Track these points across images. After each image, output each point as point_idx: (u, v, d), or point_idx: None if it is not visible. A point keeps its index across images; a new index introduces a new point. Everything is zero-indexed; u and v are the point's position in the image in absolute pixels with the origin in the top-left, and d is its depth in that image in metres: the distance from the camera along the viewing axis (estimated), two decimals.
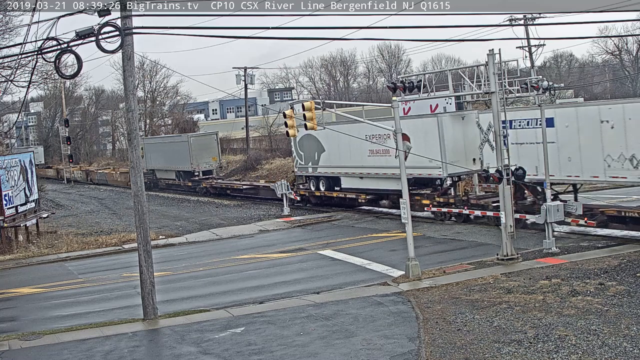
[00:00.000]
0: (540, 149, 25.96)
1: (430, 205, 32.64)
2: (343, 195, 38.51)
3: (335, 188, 38.81)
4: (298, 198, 41.10)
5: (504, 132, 25.82)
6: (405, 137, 30.77)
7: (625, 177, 24.49)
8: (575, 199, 27.92)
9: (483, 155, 28.78)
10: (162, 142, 62.05)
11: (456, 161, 29.89)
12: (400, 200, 22.76)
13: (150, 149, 60.85)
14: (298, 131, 24.68)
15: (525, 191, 28.82)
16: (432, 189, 33.91)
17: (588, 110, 25.64)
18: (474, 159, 29.77)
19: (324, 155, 39.01)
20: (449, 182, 32.75)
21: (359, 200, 37.93)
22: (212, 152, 56.52)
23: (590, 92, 79.44)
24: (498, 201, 26.05)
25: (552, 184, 26.78)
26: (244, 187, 50.91)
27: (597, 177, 25.32)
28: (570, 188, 28.62)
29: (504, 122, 25.82)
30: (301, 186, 42.50)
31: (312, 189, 40.69)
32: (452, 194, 32.82)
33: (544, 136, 25.28)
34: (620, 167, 24.36)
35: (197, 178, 55.38)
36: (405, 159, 30.78)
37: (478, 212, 30.08)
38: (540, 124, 26.03)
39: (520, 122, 28.08)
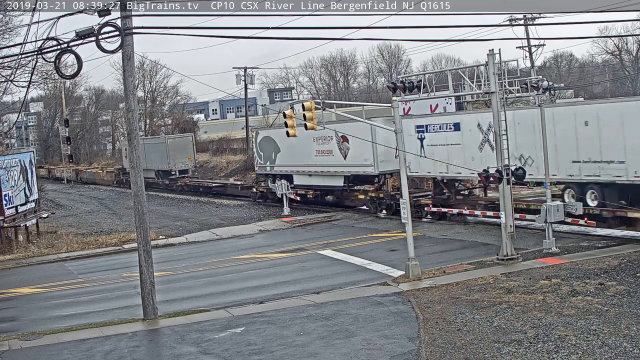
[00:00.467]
0: (455, 152, 30.14)
1: (367, 199, 36.59)
2: (295, 191, 41.47)
3: (292, 185, 41.38)
4: (298, 198, 41.24)
5: (419, 136, 32.07)
6: (345, 139, 36.40)
7: None
8: (278, 182, 36.64)
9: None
10: (142, 144, 62.62)
11: (386, 161, 33.72)
12: (400, 200, 22.78)
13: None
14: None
15: (444, 188, 32.54)
16: (369, 185, 37.54)
17: (484, 117, 28.36)
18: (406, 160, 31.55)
19: (279, 155, 42.76)
20: (382, 179, 36.42)
21: (308, 196, 41.12)
22: (188, 153, 60.13)
23: (590, 92, 79.44)
24: (422, 195, 33.93)
25: (460, 180, 32.12)
26: (213, 185, 55.30)
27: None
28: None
29: (420, 126, 31.83)
30: (262, 184, 45.92)
31: (269, 185, 43.78)
32: (384, 189, 36.36)
33: (544, 136, 25.28)
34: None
35: (174, 177, 58.82)
36: (345, 158, 37.02)
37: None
38: (449, 129, 30.31)
39: (434, 126, 31.53)
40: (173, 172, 59.08)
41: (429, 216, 33.15)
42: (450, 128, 30.39)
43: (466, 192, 33.23)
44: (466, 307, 17.78)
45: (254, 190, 46.85)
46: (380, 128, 29.47)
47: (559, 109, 26.76)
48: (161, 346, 17.11)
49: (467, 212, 31.16)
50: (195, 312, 19.80)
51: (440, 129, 31.33)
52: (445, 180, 32.13)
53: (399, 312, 18.02)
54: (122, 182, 65.77)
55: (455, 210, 31.66)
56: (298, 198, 41.24)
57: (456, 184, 32.38)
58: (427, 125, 32.02)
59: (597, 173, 25.00)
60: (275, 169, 43.40)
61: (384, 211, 35.62)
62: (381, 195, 35.90)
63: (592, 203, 25.73)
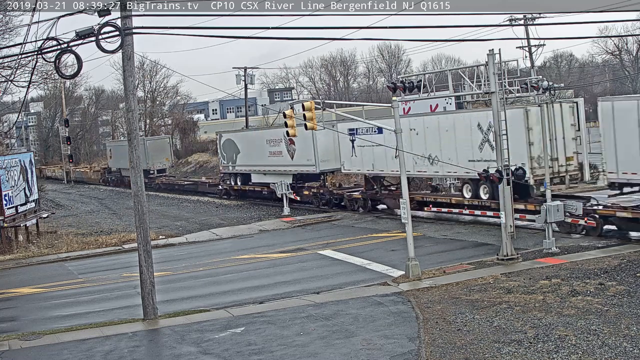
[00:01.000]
0: (379, 152, 33.87)
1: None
2: (253, 189, 47.37)
3: (249, 183, 47.52)
4: (298, 198, 41.35)
5: (351, 138, 36.29)
6: (292, 142, 40.71)
7: (425, 172, 32.86)
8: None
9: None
10: (125, 145, 66.09)
11: (327, 160, 39.15)
12: (400, 200, 22.78)
13: (116, 151, 67.99)
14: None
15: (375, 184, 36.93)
16: (315, 182, 42.45)
17: (402, 121, 30.31)
18: (341, 159, 38.23)
19: (239, 156, 47.68)
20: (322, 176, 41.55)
21: (262, 192, 46.03)
22: (165, 154, 64.37)
23: (590, 92, 79.43)
24: (355, 190, 38.93)
25: (384, 177, 36.23)
26: (185, 183, 60.56)
27: (409, 171, 30.47)
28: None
29: (352, 130, 36.03)
30: (226, 182, 50.72)
31: (232, 184, 49.53)
32: (326, 186, 41.67)
33: (544, 136, 25.30)
34: (422, 163, 32.13)
35: (152, 176, 62.13)
36: (292, 158, 41.78)
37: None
38: (374, 132, 33.68)
39: (361, 130, 35.44)
40: (152, 172, 62.10)
41: (360, 209, 37.61)
42: (375, 131, 33.57)
43: (393, 188, 36.80)
44: (466, 307, 17.78)
45: (220, 187, 51.76)
46: (321, 133, 36.72)
47: (458, 116, 31.19)
48: (161, 346, 17.11)
49: (466, 212, 31.21)
50: (195, 312, 19.80)
51: (366, 132, 35.05)
52: (373, 177, 36.71)
53: (399, 312, 18.03)
54: (108, 181, 70.43)
55: (382, 206, 36.57)
56: (298, 198, 41.41)
57: (382, 180, 36.76)
58: (356, 129, 35.79)
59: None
60: (237, 168, 48.34)
61: (325, 206, 40.40)
62: (322, 191, 40.77)
63: (484, 196, 30.15)
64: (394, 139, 30.29)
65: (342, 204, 39.34)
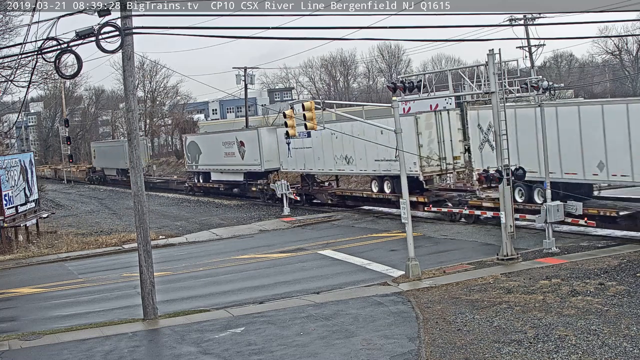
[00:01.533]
0: (308, 153, 39.72)
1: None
2: (212, 186, 52.30)
3: (210, 180, 52.60)
4: (298, 198, 41.47)
5: (287, 141, 40.35)
6: (242, 144, 46.84)
7: (343, 170, 38.24)
8: (337, 185, 42.10)
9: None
10: (107, 146, 75.25)
11: (270, 160, 43.83)
12: (400, 200, 22.79)
13: (99, 151, 74.26)
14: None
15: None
16: (262, 180, 46.76)
17: (327, 126, 35.81)
18: (280, 160, 43.12)
19: (201, 157, 52.86)
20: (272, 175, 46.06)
21: (220, 189, 51.35)
22: (144, 154, 69.96)
23: (590, 92, 79.42)
24: (293, 186, 42.02)
25: (314, 175, 41.54)
26: (157, 180, 64.43)
27: (331, 169, 38.97)
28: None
29: (286, 135, 38.72)
30: (191, 180, 55.58)
31: (196, 181, 54.75)
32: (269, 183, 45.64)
33: (544, 137, 25.31)
34: (341, 163, 37.55)
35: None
36: (243, 158, 47.00)
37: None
38: (305, 136, 37.11)
39: (298, 133, 38.24)
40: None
41: (298, 203, 42.02)
42: (305, 135, 37.18)
43: (326, 184, 42.94)
44: (466, 307, 17.78)
45: (186, 185, 56.84)
46: (265, 134, 44.17)
47: (362, 124, 32.90)
48: (161, 346, 17.11)
49: (467, 211, 31.24)
50: (195, 312, 19.80)
51: (299, 135, 36.57)
52: (306, 175, 41.96)
53: (399, 312, 18.03)
54: (92, 180, 74.87)
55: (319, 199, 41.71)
56: (297, 198, 41.54)
57: (314, 178, 42.19)
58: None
59: (389, 169, 33.63)
60: (199, 167, 53.55)
61: (270, 200, 44.86)
62: (266, 188, 45.29)
63: (387, 190, 35.30)
64: (318, 141, 38.29)
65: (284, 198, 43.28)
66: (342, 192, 40.49)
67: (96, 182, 73.60)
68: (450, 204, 32.04)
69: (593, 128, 24.97)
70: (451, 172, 33.84)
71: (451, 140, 32.52)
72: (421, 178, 32.47)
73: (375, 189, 36.47)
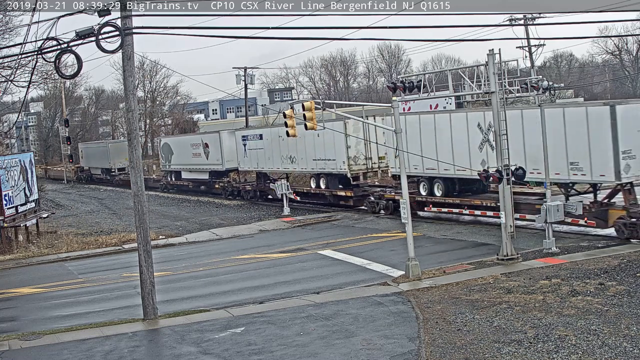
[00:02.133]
0: (260, 154, 44.86)
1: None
2: (183, 183, 57.98)
3: (181, 178, 58.38)
4: (298, 198, 41.60)
5: (243, 142, 46.54)
6: (207, 145, 52.09)
7: (288, 168, 42.84)
8: (278, 182, 42.60)
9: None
10: (93, 147, 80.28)
11: (231, 160, 48.81)
12: (400, 200, 22.78)
13: (87, 152, 79.18)
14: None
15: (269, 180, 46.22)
16: (224, 177, 51.93)
17: (273, 130, 43.25)
18: (238, 159, 47.80)
19: (173, 157, 58.42)
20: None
21: (189, 186, 56.98)
22: (125, 154, 76.98)
23: (590, 92, 79.44)
24: (249, 184, 48.61)
25: (266, 173, 46.10)
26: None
27: (279, 168, 43.61)
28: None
29: (244, 136, 46.96)
30: (166, 178, 60.95)
31: (169, 180, 60.30)
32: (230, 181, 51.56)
33: (544, 137, 25.33)
34: (287, 162, 42.32)
35: (114, 173, 71.77)
36: (207, 158, 52.45)
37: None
38: (257, 138, 44.98)
39: (250, 136, 46.39)
40: (113, 170, 71.52)
41: (252, 198, 47.47)
42: (258, 137, 45.06)
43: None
44: (466, 307, 17.78)
45: (161, 182, 61.75)
46: (226, 137, 49.63)
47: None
48: (161, 346, 17.11)
49: (466, 211, 31.29)
50: (195, 312, 19.80)
51: (253, 138, 45.84)
52: (259, 173, 47.11)
53: (399, 312, 18.02)
54: (81, 179, 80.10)
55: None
56: (298, 198, 41.70)
57: (267, 176, 46.47)
58: (248, 135, 46.87)
59: (324, 167, 39.20)
60: (171, 167, 59.18)
61: (230, 196, 49.88)
62: (227, 185, 50.78)
63: (323, 186, 40.24)
64: (267, 142, 43.65)
65: (242, 194, 49.20)
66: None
67: (83, 180, 78.85)
68: (372, 198, 36.64)
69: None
70: (376, 170, 38.30)
71: (377, 142, 35.91)
72: (349, 175, 37.53)
73: (313, 185, 41.42)
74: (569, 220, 25.66)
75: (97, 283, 25.75)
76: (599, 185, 26.27)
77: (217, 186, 52.17)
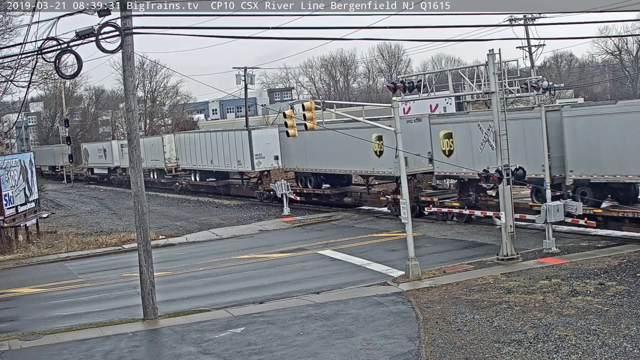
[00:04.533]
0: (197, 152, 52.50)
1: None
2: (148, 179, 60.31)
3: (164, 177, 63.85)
4: (298, 198, 41.47)
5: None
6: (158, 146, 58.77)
7: (206, 166, 51.29)
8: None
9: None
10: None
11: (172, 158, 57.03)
12: (400, 200, 22.77)
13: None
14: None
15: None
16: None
17: (222, 135, 49.86)
18: (211, 160, 51.35)
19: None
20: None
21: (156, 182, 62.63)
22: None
23: (590, 92, 79.42)
24: (185, 179, 57.00)
25: (197, 171, 54.16)
26: (127, 178, 74.72)
27: (206, 166, 50.93)
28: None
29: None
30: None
31: (152, 177, 64.52)
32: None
33: (544, 137, 25.34)
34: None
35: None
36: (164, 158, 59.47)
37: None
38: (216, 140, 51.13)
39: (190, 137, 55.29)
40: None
41: (187, 192, 55.74)
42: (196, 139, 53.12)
43: (212, 179, 53.67)
44: (466, 307, 17.78)
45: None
46: (168, 142, 58.05)
47: (230, 133, 48.56)
48: (161, 346, 17.11)
49: (466, 211, 31.26)
50: (195, 312, 19.80)
51: (190, 140, 53.61)
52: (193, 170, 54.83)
53: (399, 312, 18.03)
54: (77, 178, 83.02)
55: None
56: (298, 198, 41.55)
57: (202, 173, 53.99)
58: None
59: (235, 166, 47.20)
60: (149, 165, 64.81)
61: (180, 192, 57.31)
62: (169, 180, 60.03)
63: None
64: (219, 144, 48.94)
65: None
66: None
67: (82, 180, 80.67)
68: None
69: None
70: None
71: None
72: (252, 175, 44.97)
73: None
74: (569, 220, 25.67)
75: (97, 283, 25.75)
76: None
77: (163, 181, 61.38)
